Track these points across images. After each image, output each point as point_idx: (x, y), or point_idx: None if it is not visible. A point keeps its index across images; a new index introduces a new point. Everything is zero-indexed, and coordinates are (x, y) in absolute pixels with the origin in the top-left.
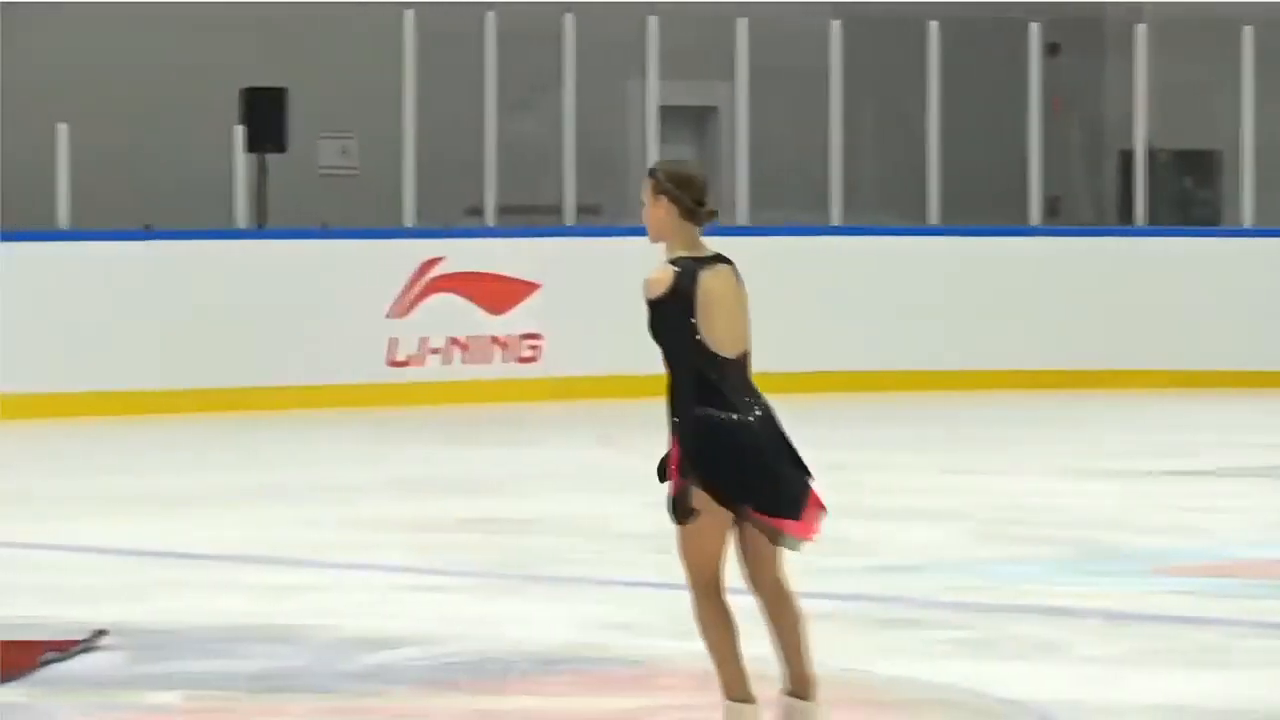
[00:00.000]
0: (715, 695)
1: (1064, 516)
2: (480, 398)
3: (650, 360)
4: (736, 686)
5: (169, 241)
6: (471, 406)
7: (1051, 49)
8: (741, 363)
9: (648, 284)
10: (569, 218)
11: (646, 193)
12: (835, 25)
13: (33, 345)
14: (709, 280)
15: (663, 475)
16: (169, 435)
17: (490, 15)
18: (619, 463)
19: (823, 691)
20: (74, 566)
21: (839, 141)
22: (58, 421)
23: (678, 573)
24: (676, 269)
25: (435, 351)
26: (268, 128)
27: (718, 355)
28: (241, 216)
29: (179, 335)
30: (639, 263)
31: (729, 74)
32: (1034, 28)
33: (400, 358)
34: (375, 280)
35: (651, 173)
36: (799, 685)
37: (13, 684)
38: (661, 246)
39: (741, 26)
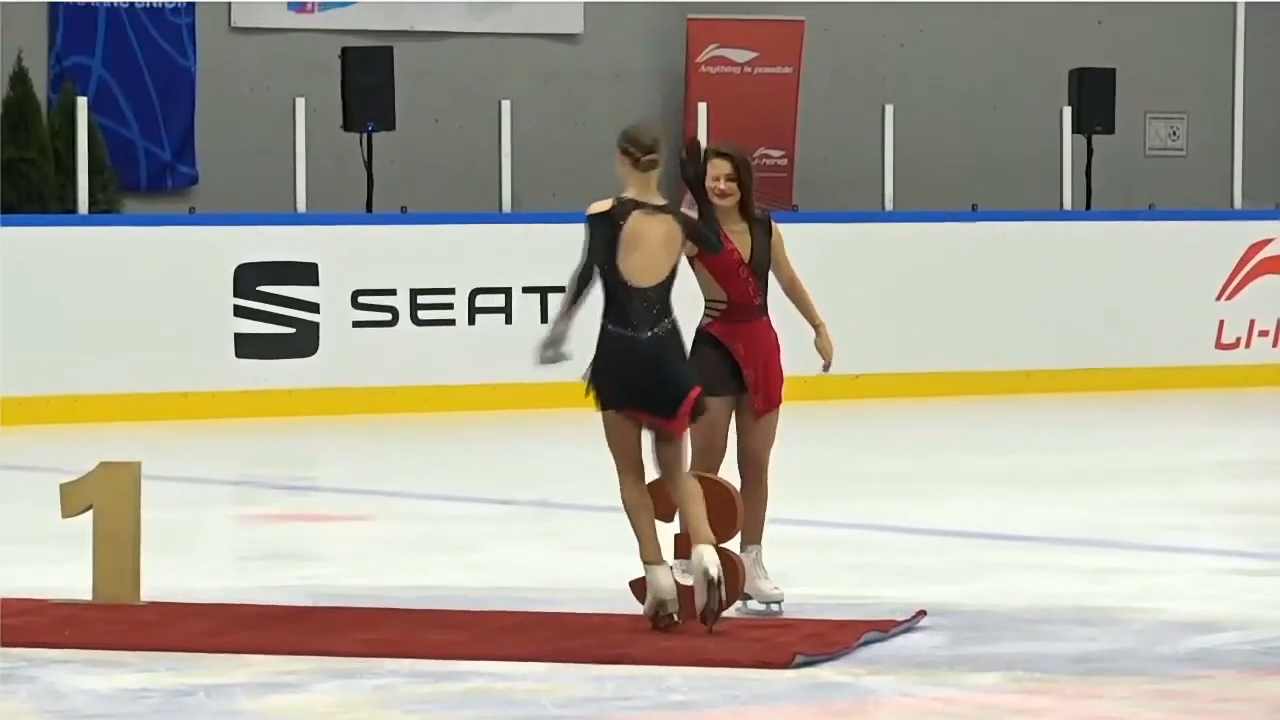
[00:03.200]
0: None
1: None
2: None
3: None
4: (652, 552)
5: (995, 222)
6: None
7: None
8: (653, 290)
9: (590, 207)
10: None
11: (616, 155)
12: None
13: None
14: (638, 220)
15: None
16: (994, 416)
17: None
18: None
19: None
20: (896, 547)
21: None
22: (879, 402)
23: None
24: (614, 202)
25: (1264, 334)
26: (1096, 108)
27: (628, 282)
28: (1069, 197)
29: (1005, 315)
30: None
31: None
32: None
33: (1229, 340)
34: (1203, 262)
35: (619, 136)
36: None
37: (834, 661)
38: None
39: None
